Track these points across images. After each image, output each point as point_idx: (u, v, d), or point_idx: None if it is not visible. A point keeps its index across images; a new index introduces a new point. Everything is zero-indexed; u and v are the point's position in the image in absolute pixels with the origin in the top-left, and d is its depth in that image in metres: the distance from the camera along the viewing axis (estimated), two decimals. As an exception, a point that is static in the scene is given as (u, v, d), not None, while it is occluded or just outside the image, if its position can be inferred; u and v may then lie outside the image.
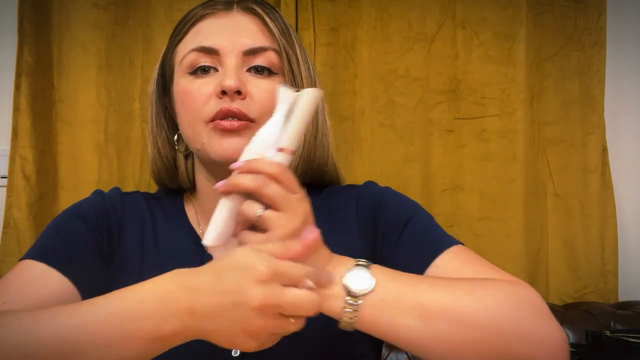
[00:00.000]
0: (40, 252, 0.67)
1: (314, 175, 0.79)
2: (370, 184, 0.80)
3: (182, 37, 0.74)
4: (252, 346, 0.50)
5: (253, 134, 0.65)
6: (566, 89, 1.63)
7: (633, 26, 1.67)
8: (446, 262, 0.67)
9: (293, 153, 0.60)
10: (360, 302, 0.55)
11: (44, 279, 0.65)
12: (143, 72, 1.60)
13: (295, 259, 0.52)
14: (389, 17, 1.62)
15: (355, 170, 1.59)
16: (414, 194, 1.59)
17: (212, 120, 0.69)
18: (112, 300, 0.52)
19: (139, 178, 1.59)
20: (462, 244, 0.70)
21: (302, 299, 0.50)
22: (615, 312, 1.47)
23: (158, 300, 0.50)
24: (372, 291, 0.56)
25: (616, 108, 1.65)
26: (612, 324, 1.44)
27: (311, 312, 0.51)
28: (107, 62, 1.60)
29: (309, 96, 0.60)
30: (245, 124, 0.69)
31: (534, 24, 1.62)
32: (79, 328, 0.51)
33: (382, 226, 0.73)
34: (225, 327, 0.49)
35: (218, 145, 0.69)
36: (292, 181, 0.57)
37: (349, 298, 0.56)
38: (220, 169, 0.70)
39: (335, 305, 0.56)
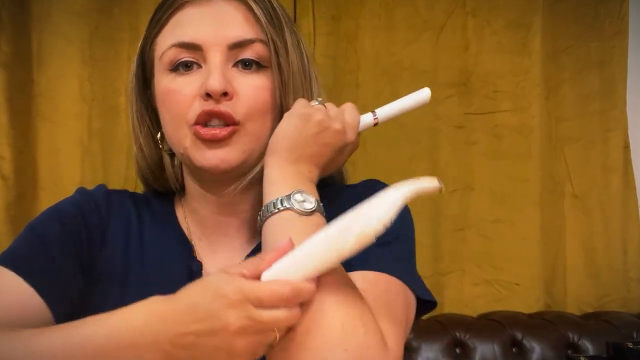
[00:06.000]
0: (9, 258, 0.67)
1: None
2: (371, 185, 0.76)
3: (161, 28, 0.73)
4: None
5: (238, 140, 0.68)
6: (585, 82, 1.63)
7: (658, 13, 1.66)
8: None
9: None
10: None
11: (9, 288, 0.65)
12: (129, 64, 1.56)
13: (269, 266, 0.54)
14: (394, 5, 1.62)
15: (357, 170, 1.57)
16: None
17: (196, 123, 0.69)
18: (88, 328, 0.53)
19: (124, 178, 1.58)
20: (411, 290, 0.67)
21: (277, 317, 0.52)
22: (638, 323, 1.49)
23: (136, 330, 0.52)
24: None
25: (639, 102, 1.65)
26: (634, 335, 1.45)
27: (291, 323, 0.53)
28: (91, 53, 1.60)
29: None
30: (230, 130, 0.68)
31: (550, 11, 1.62)
32: (54, 356, 0.52)
33: None
34: (209, 352, 0.51)
35: (200, 155, 0.69)
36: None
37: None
38: (206, 174, 0.71)
39: None
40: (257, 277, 0.53)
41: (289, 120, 0.68)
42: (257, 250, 0.71)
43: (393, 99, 1.74)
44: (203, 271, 0.71)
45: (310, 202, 0.63)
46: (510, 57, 1.61)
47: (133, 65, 0.77)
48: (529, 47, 1.60)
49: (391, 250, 0.68)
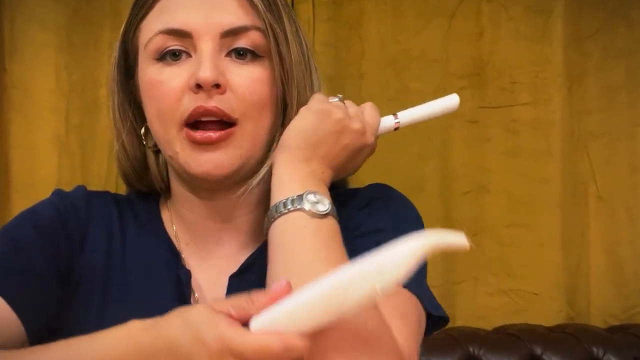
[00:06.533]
0: None
1: None
2: (377, 190, 0.76)
3: (146, 13, 0.71)
4: None
5: (234, 142, 0.67)
6: (611, 72, 1.61)
7: (689, -3, 1.66)
8: None
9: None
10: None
11: None
12: (111, 53, 1.57)
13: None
14: (401, -12, 1.61)
15: (361, 170, 1.56)
16: (431, 196, 1.59)
17: (187, 123, 0.67)
18: (60, 354, 0.55)
19: (105, 177, 1.58)
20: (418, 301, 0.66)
21: None
22: (669, 337, 1.45)
23: None
24: None
25: (670, 94, 1.64)
26: (665, 350, 1.44)
27: None
28: (69, 40, 1.60)
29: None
30: (225, 133, 0.67)
31: (573, -5, 1.62)
32: None
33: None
34: None
35: (194, 161, 0.68)
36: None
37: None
38: (197, 181, 0.70)
39: None
40: (245, 321, 0.50)
41: (305, 116, 0.68)
42: (252, 258, 0.71)
43: (400, 91, 1.78)
44: (192, 280, 0.69)
45: (325, 204, 0.62)
46: (529, 45, 1.59)
47: (114, 53, 0.76)
48: (550, 34, 1.59)
49: None
